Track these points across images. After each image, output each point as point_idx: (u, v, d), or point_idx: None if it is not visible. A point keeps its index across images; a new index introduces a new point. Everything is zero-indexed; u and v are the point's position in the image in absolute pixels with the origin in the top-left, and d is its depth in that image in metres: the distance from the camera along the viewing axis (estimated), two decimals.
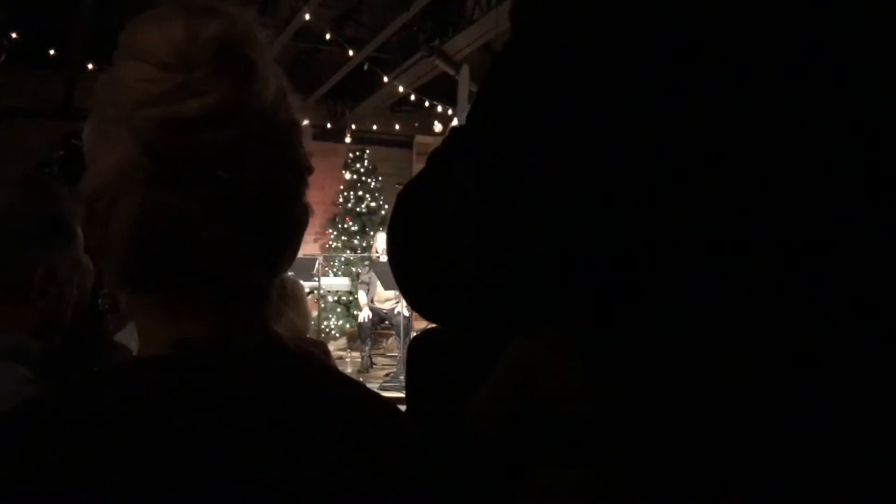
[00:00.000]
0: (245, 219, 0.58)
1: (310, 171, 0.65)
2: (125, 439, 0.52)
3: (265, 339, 0.61)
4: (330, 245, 9.45)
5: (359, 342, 7.81)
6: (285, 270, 0.65)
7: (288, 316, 3.23)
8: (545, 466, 2.03)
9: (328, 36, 6.77)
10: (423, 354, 2.50)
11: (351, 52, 7.06)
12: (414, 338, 2.56)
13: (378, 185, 9.60)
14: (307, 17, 6.18)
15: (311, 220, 0.66)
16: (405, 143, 9.83)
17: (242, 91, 0.57)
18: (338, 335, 9.50)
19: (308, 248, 9.41)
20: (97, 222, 0.58)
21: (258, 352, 0.60)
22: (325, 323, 9.32)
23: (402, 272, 0.62)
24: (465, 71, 6.92)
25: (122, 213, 0.56)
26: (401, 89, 7.78)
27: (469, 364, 2.19)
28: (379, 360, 8.01)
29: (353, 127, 9.05)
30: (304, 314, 3.32)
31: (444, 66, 7.20)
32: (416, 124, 9.71)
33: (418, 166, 9.60)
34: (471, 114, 0.60)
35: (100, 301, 0.62)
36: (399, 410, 0.65)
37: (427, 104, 8.42)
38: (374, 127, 9.65)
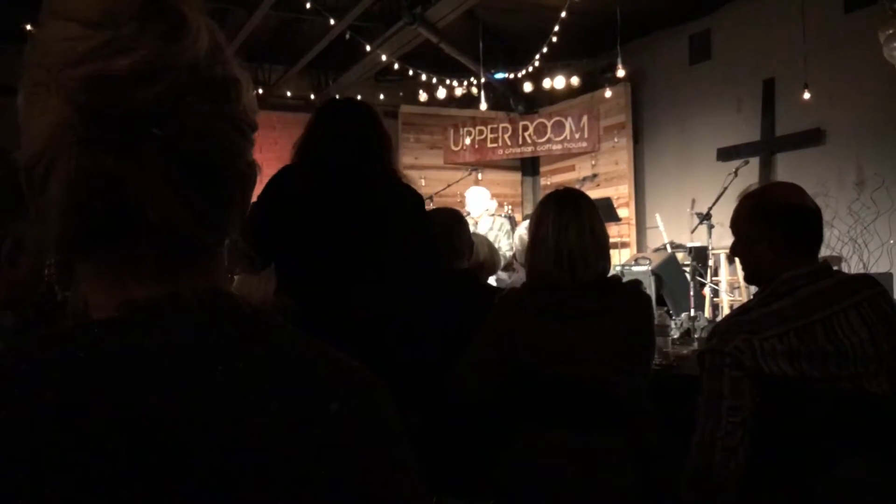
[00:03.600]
0: (185, 177, 0.57)
1: (253, 128, 0.63)
2: (61, 401, 0.52)
3: (214, 300, 0.60)
4: None
5: None
6: (235, 230, 0.64)
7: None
8: (529, 429, 2.06)
9: (308, 5, 6.67)
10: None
11: (332, 22, 6.96)
12: None
13: None
14: None
15: None
16: (390, 112, 9.74)
17: (172, 45, 0.55)
18: None
19: None
20: (35, 190, 0.57)
21: (206, 313, 0.59)
22: None
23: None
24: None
25: (57, 178, 0.55)
26: (384, 58, 7.69)
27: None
28: None
29: (337, 98, 8.96)
30: None
31: (426, 34, 7.12)
32: (401, 94, 9.62)
33: (404, 136, 9.58)
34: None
35: (46, 271, 0.61)
36: (362, 374, 0.63)
37: (411, 73, 8.34)
38: (358, 97, 9.54)
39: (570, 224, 2.09)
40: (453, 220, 2.61)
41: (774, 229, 1.81)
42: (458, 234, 2.57)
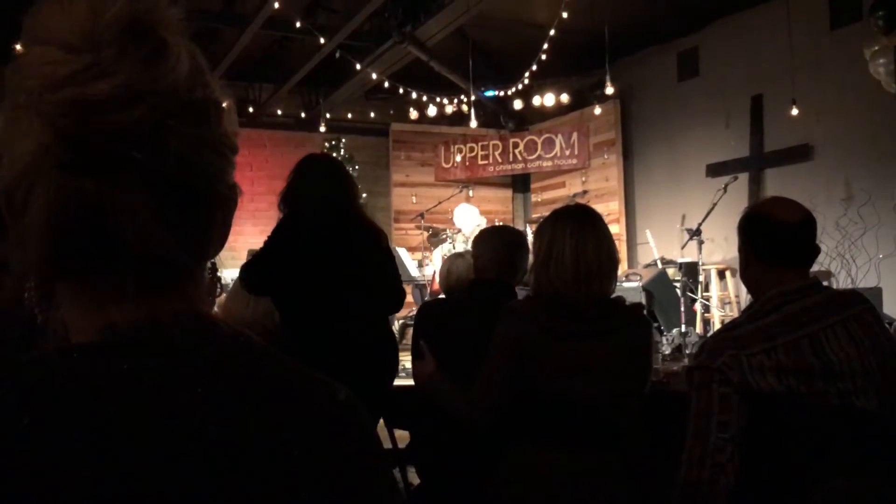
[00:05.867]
0: (166, 201, 0.57)
1: (234, 150, 0.63)
2: (39, 426, 0.52)
3: (194, 323, 0.60)
4: None
5: None
6: (216, 253, 0.64)
7: (263, 305, 3.23)
8: (526, 448, 2.05)
9: (298, 24, 6.69)
10: (426, 319, 2.70)
11: (322, 40, 6.99)
12: (422, 304, 3.25)
13: (355, 174, 9.54)
14: (276, 5, 6.11)
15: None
16: (381, 130, 9.77)
17: (152, 69, 0.56)
18: None
19: None
20: (15, 213, 0.57)
21: (186, 335, 0.59)
22: None
23: None
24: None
25: (37, 201, 0.55)
26: (374, 76, 7.72)
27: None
28: None
29: (328, 116, 8.98)
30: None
31: (416, 53, 7.16)
32: (392, 111, 9.66)
33: (395, 154, 9.61)
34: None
35: (26, 294, 0.60)
36: (344, 395, 0.62)
37: (401, 91, 8.37)
38: (349, 115, 9.57)
39: (588, 240, 2.07)
40: (519, 241, 2.85)
41: (745, 240, 1.85)
42: (521, 256, 2.78)
